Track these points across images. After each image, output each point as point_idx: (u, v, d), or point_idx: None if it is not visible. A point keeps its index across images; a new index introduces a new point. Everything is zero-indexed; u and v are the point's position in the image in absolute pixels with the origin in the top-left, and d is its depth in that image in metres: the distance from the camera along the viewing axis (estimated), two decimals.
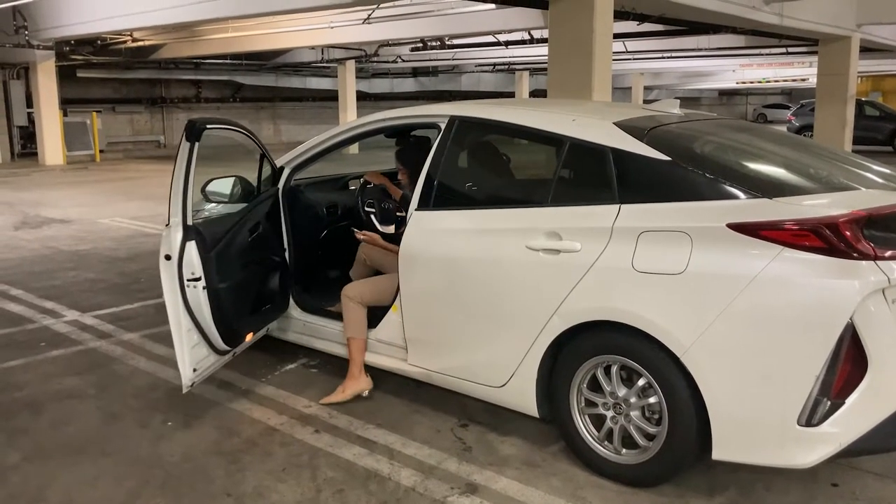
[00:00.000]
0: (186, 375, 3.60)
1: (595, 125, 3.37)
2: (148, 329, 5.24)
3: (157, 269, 6.29)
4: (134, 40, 18.72)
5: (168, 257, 3.55)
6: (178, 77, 25.67)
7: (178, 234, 3.55)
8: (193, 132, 3.54)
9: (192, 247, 3.58)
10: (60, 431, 3.68)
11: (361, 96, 26.08)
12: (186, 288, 3.56)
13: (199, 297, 3.60)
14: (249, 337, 4.06)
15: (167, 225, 3.60)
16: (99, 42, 18.93)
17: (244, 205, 4.18)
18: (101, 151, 21.16)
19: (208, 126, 3.64)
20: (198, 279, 3.59)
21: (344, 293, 4.01)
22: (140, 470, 3.29)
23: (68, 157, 19.72)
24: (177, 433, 3.64)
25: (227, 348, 3.85)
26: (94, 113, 21.27)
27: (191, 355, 3.61)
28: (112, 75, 23.68)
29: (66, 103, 20.91)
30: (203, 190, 4.21)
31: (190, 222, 3.60)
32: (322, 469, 3.28)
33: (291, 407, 3.92)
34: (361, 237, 4.17)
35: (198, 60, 23.55)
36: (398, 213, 4.08)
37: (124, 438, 3.60)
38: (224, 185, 4.24)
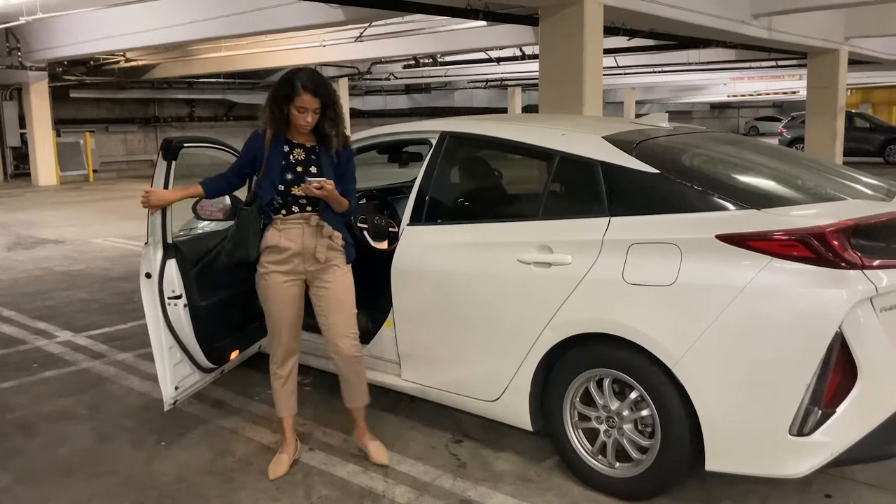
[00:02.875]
0: (168, 393, 3.58)
1: (584, 139, 3.40)
2: (141, 349, 5.22)
3: None
4: (127, 60, 18.78)
5: (148, 275, 3.55)
6: (172, 96, 25.72)
7: (158, 253, 3.56)
8: (170, 151, 3.54)
9: (172, 265, 3.59)
10: (53, 453, 3.66)
11: (355, 113, 26.18)
12: (167, 306, 3.56)
13: (181, 314, 3.60)
14: (235, 355, 4.05)
15: (146, 244, 3.60)
16: (92, 62, 19.02)
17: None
18: (94, 171, 21.16)
19: (185, 144, 3.63)
20: (178, 297, 3.59)
21: (362, 354, 3.54)
22: (134, 490, 3.27)
23: (62, 178, 19.72)
24: (170, 453, 3.62)
25: (211, 366, 3.84)
26: (88, 133, 21.30)
27: (172, 373, 3.60)
28: (105, 95, 23.71)
29: (59, 124, 20.94)
30: (194, 208, 4.22)
31: (170, 240, 3.60)
32: (316, 487, 3.27)
33: None
34: (318, 190, 3.19)
35: (191, 79, 23.62)
36: (391, 230, 4.09)
37: (118, 459, 3.58)
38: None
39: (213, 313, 3.77)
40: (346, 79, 23.25)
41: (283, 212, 3.32)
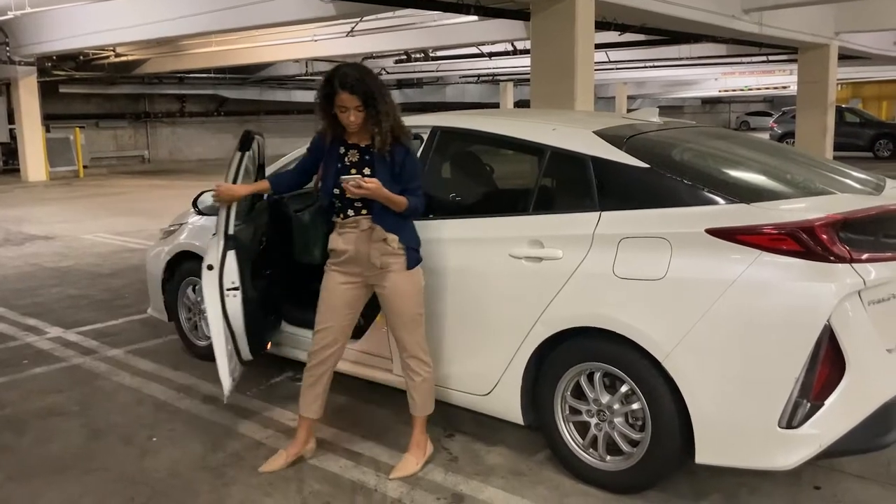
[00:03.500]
0: (227, 386, 3.59)
1: (575, 134, 3.41)
2: (133, 345, 5.21)
3: (140, 284, 6.28)
4: (117, 55, 18.70)
5: (210, 267, 3.56)
6: (162, 91, 25.65)
7: (221, 244, 3.57)
8: (247, 142, 3.59)
9: (232, 256, 3.60)
10: (44, 449, 3.65)
11: None
12: (226, 297, 3.58)
13: (237, 306, 3.63)
14: (269, 346, 4.12)
15: (213, 235, 3.64)
16: (81, 57, 18.93)
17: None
18: (84, 167, 21.06)
19: (257, 136, 3.75)
20: (237, 288, 3.61)
21: (423, 361, 3.33)
22: (125, 486, 3.27)
23: (51, 173, 19.62)
24: (162, 449, 3.62)
25: (251, 357, 3.84)
26: (78, 128, 21.19)
27: (229, 365, 3.61)
28: (95, 90, 23.61)
29: (48, 119, 20.84)
30: (195, 202, 4.21)
31: (231, 231, 3.61)
32: (308, 482, 3.27)
33: (277, 420, 3.91)
34: (357, 189, 3.06)
35: (181, 75, 23.53)
36: None
37: (109, 455, 3.57)
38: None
39: (259, 304, 3.83)
40: None
41: (342, 215, 3.26)
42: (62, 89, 22.35)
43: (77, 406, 4.17)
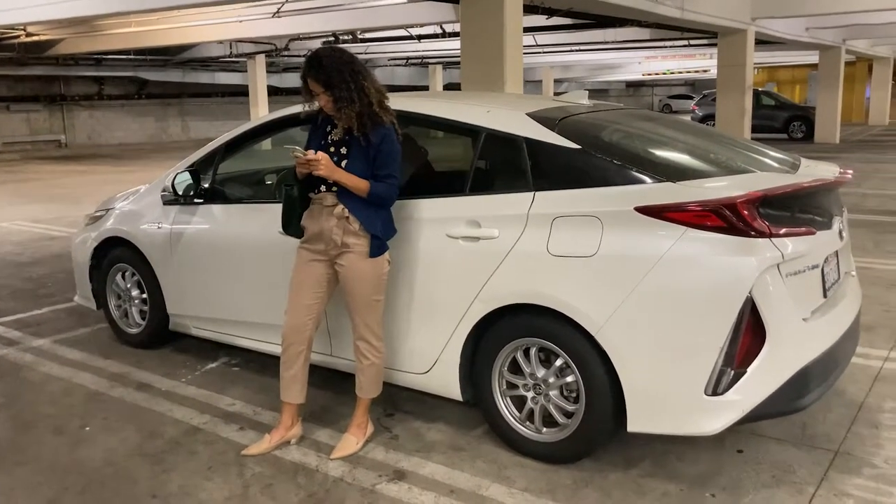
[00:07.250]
0: None
1: (509, 116, 3.47)
2: (59, 334, 5.06)
3: (64, 272, 6.07)
4: (28, 35, 17.82)
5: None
6: (79, 73, 24.62)
7: None
8: None
9: None
10: None
11: (273, 91, 25.61)
12: None
13: None
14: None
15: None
16: None
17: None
18: None
19: None
20: None
21: (372, 345, 3.35)
22: (58, 477, 3.20)
23: None
24: (96, 438, 3.55)
25: None
26: None
27: None
28: (5, 72, 22.48)
29: None
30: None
31: None
32: (249, 465, 3.27)
33: (214, 406, 3.88)
34: (305, 161, 3.09)
35: (99, 56, 22.64)
36: None
37: (40, 446, 3.48)
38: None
39: None
40: (263, 56, 22.74)
41: (315, 191, 3.27)
42: None
43: (2, 398, 4.03)
